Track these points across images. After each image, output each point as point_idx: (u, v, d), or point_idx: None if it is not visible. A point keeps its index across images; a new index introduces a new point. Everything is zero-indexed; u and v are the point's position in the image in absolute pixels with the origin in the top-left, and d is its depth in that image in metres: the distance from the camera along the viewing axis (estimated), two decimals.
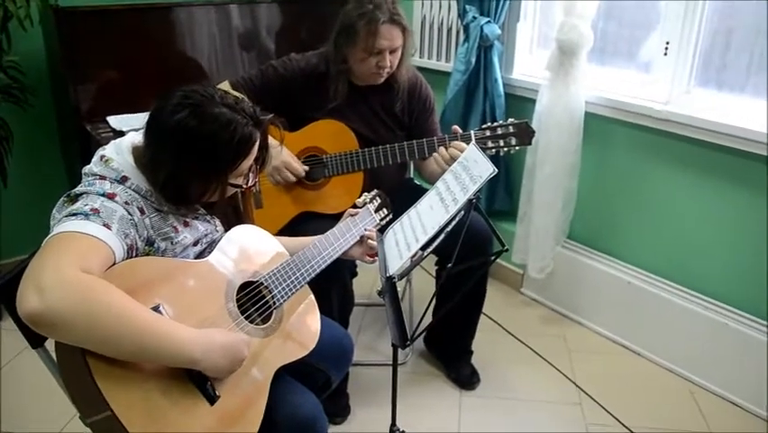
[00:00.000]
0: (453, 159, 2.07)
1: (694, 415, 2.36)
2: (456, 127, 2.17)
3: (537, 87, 2.71)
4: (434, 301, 1.76)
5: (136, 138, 1.40)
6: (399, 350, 1.55)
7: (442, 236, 1.45)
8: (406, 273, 1.49)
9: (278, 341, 1.45)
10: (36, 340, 1.34)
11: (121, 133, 2.42)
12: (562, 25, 2.50)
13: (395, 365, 1.58)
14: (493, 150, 2.16)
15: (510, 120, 2.16)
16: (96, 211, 1.21)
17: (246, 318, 1.39)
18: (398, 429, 1.64)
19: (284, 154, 2.13)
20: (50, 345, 1.28)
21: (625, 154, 2.64)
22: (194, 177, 1.35)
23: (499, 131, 2.15)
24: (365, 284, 2.97)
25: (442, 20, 3.15)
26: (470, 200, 1.41)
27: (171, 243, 1.36)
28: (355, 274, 2.30)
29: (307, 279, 1.57)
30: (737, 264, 2.37)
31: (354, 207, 1.85)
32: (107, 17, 2.62)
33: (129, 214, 1.27)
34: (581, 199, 2.75)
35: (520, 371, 2.59)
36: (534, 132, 2.16)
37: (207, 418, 1.22)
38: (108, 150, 1.37)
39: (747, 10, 2.27)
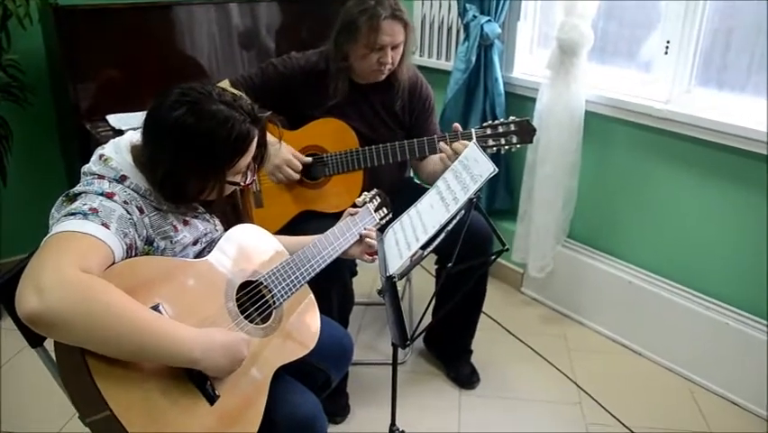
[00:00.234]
0: (457, 153, 2.07)
1: (694, 415, 2.36)
2: (457, 125, 2.16)
3: (538, 86, 2.71)
4: (434, 301, 1.76)
5: (135, 137, 1.39)
6: (399, 349, 1.54)
7: (442, 236, 1.45)
8: (406, 273, 1.48)
9: (277, 340, 1.45)
10: (35, 339, 1.33)
11: (120, 132, 2.41)
12: (562, 24, 2.50)
13: (395, 365, 1.58)
14: (494, 148, 2.15)
15: (511, 118, 2.15)
16: (94, 210, 1.21)
17: (246, 318, 1.39)
18: (398, 429, 1.64)
19: (284, 152, 2.13)
20: (49, 344, 1.27)
21: (625, 153, 2.63)
22: (192, 174, 1.35)
23: (500, 129, 2.14)
24: (365, 283, 2.97)
25: (442, 19, 3.15)
26: (470, 199, 1.41)
27: (171, 242, 1.36)
28: (355, 273, 2.30)
29: (307, 278, 1.56)
30: (738, 264, 2.37)
31: (354, 206, 1.84)
32: (107, 15, 2.62)
33: (128, 213, 1.27)
34: (582, 198, 2.75)
35: (520, 370, 2.59)
36: (535, 130, 2.16)
37: (207, 417, 1.22)
38: (107, 149, 1.36)
39: (748, 9, 2.27)
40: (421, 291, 2.89)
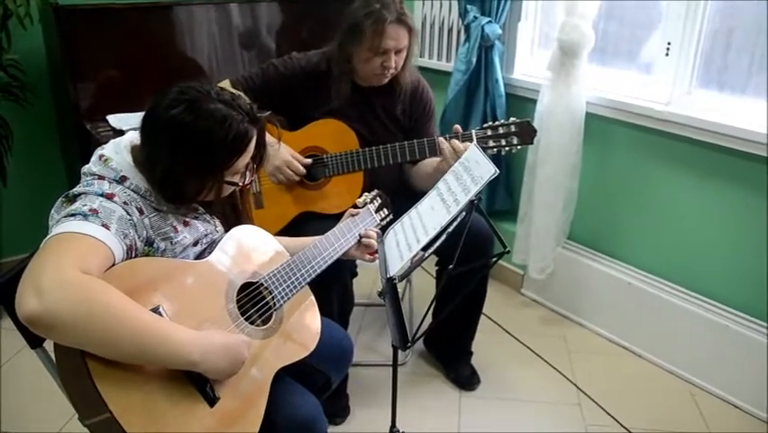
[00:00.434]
0: (455, 150, 2.06)
1: (694, 417, 2.35)
2: (458, 127, 2.16)
3: (538, 88, 2.71)
4: (434, 303, 1.76)
5: (135, 137, 1.39)
6: (399, 351, 1.54)
7: (443, 237, 1.44)
8: (406, 274, 1.48)
9: (278, 342, 1.44)
10: (35, 340, 1.33)
11: (120, 132, 2.41)
12: (563, 25, 2.50)
13: (395, 366, 1.57)
14: (495, 149, 2.14)
15: (512, 119, 2.15)
16: (94, 211, 1.21)
17: (246, 319, 1.39)
18: (398, 430, 1.64)
19: (284, 153, 2.13)
20: (48, 344, 1.27)
21: (626, 155, 2.63)
22: (190, 174, 1.34)
23: (501, 130, 2.14)
24: (365, 284, 2.96)
25: (443, 20, 3.15)
26: (471, 201, 1.41)
27: (171, 243, 1.35)
28: (355, 274, 2.30)
29: (308, 279, 1.56)
30: (738, 266, 2.37)
31: (355, 207, 1.84)
32: (107, 15, 2.61)
33: (128, 214, 1.26)
34: (582, 200, 2.75)
35: (520, 371, 2.58)
36: (536, 131, 2.15)
37: (207, 419, 1.22)
38: (107, 149, 1.36)
39: (748, 10, 2.27)
40: (421, 293, 2.89)
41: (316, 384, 1.64)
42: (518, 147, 2.16)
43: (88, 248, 1.15)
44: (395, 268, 1.46)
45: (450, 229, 1.44)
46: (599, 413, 2.36)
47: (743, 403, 2.38)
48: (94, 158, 1.35)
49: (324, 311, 1.64)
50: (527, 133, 2.15)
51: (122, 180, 1.31)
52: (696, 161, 2.41)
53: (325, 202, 2.22)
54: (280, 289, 1.49)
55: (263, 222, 1.65)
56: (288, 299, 1.51)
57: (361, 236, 1.74)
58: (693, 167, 2.42)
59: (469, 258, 1.43)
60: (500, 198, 3.07)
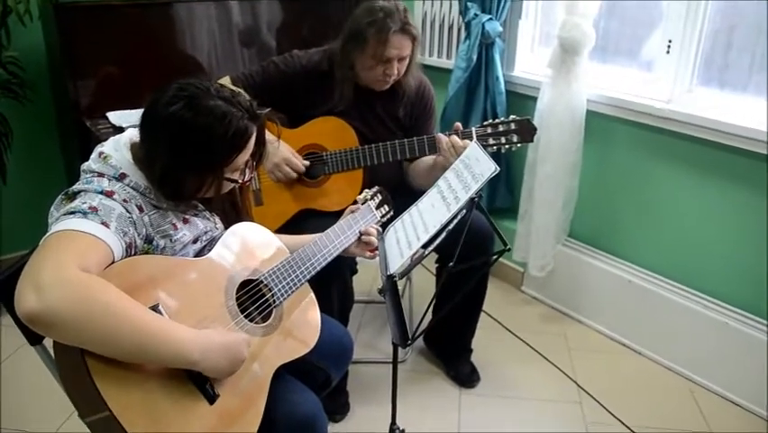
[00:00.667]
0: (454, 146, 2.06)
1: (694, 414, 2.36)
2: (458, 124, 2.15)
3: (539, 85, 2.70)
4: (434, 300, 1.75)
5: (135, 134, 1.39)
6: (399, 348, 1.54)
7: (443, 235, 1.44)
8: (407, 272, 1.48)
9: (278, 339, 1.44)
10: (34, 337, 1.33)
11: (120, 130, 2.41)
12: (564, 23, 2.49)
13: (395, 364, 1.57)
14: (495, 147, 2.14)
15: (512, 117, 2.15)
16: (94, 209, 1.21)
17: (246, 317, 1.38)
18: (398, 428, 1.64)
19: (284, 150, 2.12)
20: (48, 342, 1.27)
21: (626, 153, 2.63)
22: (189, 170, 1.34)
23: (501, 127, 2.14)
24: (365, 281, 2.96)
25: (443, 17, 3.14)
26: (471, 199, 1.41)
27: (170, 240, 1.35)
28: (355, 272, 2.29)
29: (308, 277, 1.56)
30: (738, 264, 2.37)
31: (355, 203, 1.84)
32: (107, 12, 2.61)
33: (127, 212, 1.26)
34: (582, 198, 2.75)
35: (520, 369, 2.58)
36: (535, 128, 2.15)
37: (207, 417, 1.22)
38: (107, 146, 1.36)
39: (749, 9, 2.26)
40: (421, 290, 2.89)
41: (316, 381, 1.64)
42: (518, 145, 2.16)
43: (88, 246, 1.15)
44: (395, 265, 1.46)
45: (450, 227, 1.44)
46: (600, 411, 2.36)
47: (743, 401, 2.38)
48: (93, 155, 1.35)
49: (324, 308, 1.64)
50: (528, 131, 2.15)
51: (121, 178, 1.31)
52: (696, 159, 2.41)
53: (325, 199, 2.21)
54: (280, 286, 1.49)
55: (263, 219, 1.64)
56: (288, 296, 1.50)
57: (361, 233, 1.74)
58: (694, 165, 2.42)
59: (469, 256, 1.42)
60: (501, 196, 3.07)
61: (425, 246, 1.46)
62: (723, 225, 2.39)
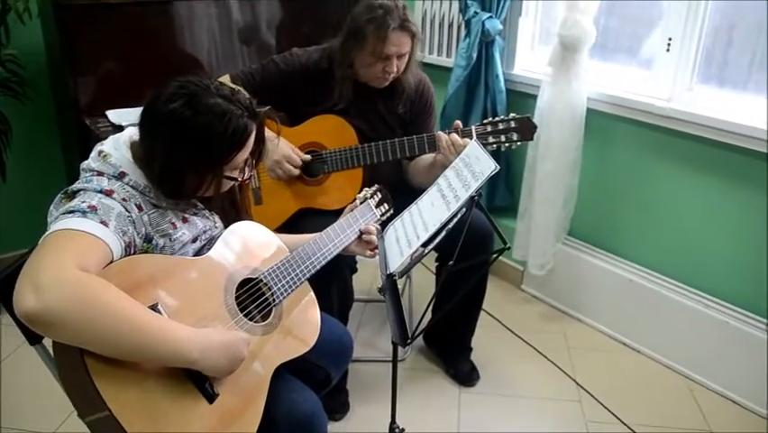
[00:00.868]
0: (454, 144, 2.06)
1: (694, 413, 2.36)
2: (458, 122, 2.15)
3: (539, 83, 2.70)
4: (434, 299, 1.75)
5: (135, 133, 1.39)
6: (399, 347, 1.54)
7: (443, 233, 1.44)
8: (406, 271, 1.48)
9: (277, 338, 1.44)
10: (34, 336, 1.32)
11: (120, 128, 2.41)
12: (564, 21, 2.49)
13: (395, 363, 1.57)
14: (494, 145, 2.14)
15: (512, 114, 2.14)
16: (93, 208, 1.20)
17: (245, 316, 1.38)
18: (398, 426, 1.64)
19: (283, 147, 2.12)
20: (48, 341, 1.26)
21: (626, 151, 2.63)
22: (189, 168, 1.34)
23: (501, 126, 2.13)
24: (364, 280, 2.96)
25: (443, 15, 3.14)
26: (471, 197, 1.40)
27: (169, 239, 1.35)
28: (355, 270, 2.29)
29: (307, 275, 1.56)
30: (739, 262, 2.37)
31: (355, 202, 1.83)
32: (107, 11, 2.60)
33: (127, 211, 1.26)
34: (582, 196, 2.74)
35: (520, 368, 2.58)
36: (535, 126, 2.15)
37: (206, 416, 1.21)
38: (106, 145, 1.36)
39: (749, 7, 2.26)
40: (421, 289, 2.89)
41: (316, 380, 1.64)
42: (518, 143, 2.15)
43: (87, 245, 1.15)
44: (395, 264, 1.45)
45: (450, 225, 1.43)
46: (599, 409, 2.36)
47: (742, 400, 2.38)
48: (93, 154, 1.35)
49: (324, 307, 1.64)
50: (527, 129, 2.15)
51: (121, 176, 1.30)
52: (696, 158, 2.40)
53: (325, 198, 2.21)
54: (280, 285, 1.49)
55: (262, 218, 1.64)
56: (288, 295, 1.50)
57: (361, 232, 1.74)
58: (694, 163, 2.42)
59: (469, 254, 1.42)
60: (500, 194, 3.06)
61: (424, 245, 1.45)
62: (723, 224, 2.39)
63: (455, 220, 1.43)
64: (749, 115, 2.23)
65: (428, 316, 1.63)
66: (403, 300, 2.80)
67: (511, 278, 3.15)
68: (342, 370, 1.79)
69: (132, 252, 1.26)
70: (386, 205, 1.87)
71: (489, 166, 1.42)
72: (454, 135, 2.08)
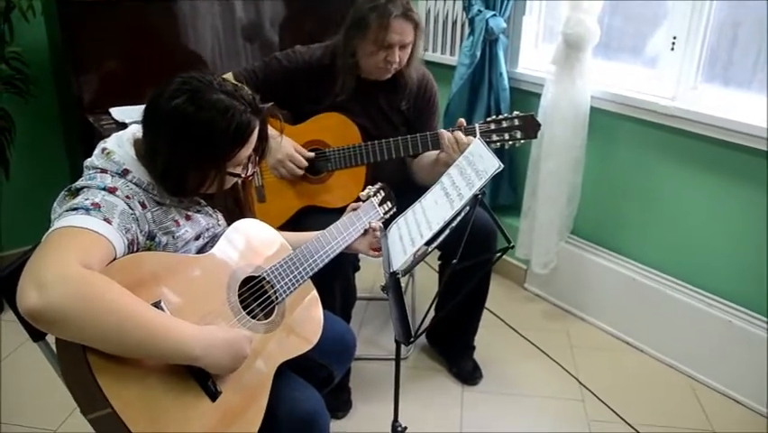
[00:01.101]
0: (458, 141, 2.06)
1: (696, 412, 2.35)
2: (462, 120, 2.15)
3: (542, 82, 2.70)
4: (437, 297, 1.75)
5: (138, 130, 1.39)
6: (401, 345, 1.53)
7: (446, 232, 1.44)
8: (410, 269, 1.47)
9: (280, 336, 1.44)
10: (37, 333, 1.33)
11: (124, 125, 2.41)
12: (568, 19, 2.49)
13: (397, 361, 1.57)
14: (498, 143, 2.14)
15: (516, 113, 2.14)
16: (96, 206, 1.20)
17: (248, 313, 1.38)
18: (400, 425, 1.63)
19: (287, 146, 2.12)
20: (51, 338, 1.27)
21: (630, 150, 2.62)
22: (191, 165, 1.34)
23: (504, 124, 2.13)
24: (367, 278, 2.96)
25: (447, 13, 3.14)
26: (475, 196, 1.40)
27: (173, 237, 1.35)
28: (358, 268, 2.29)
29: (310, 273, 1.56)
30: (742, 262, 2.36)
31: (358, 200, 1.83)
32: (110, 8, 2.60)
33: (130, 208, 1.26)
34: (586, 195, 2.74)
35: (523, 366, 2.58)
36: (539, 125, 2.14)
37: (209, 414, 1.21)
38: (110, 142, 1.36)
39: (754, 6, 2.25)
40: (424, 288, 2.88)
41: (319, 378, 1.64)
42: (522, 141, 2.15)
43: (90, 243, 1.15)
44: (398, 262, 1.45)
45: (453, 224, 1.43)
46: (602, 408, 2.35)
47: (744, 399, 2.37)
48: (96, 151, 1.35)
49: (327, 305, 1.63)
50: (531, 128, 2.14)
51: (124, 174, 1.30)
52: (700, 157, 2.40)
53: (328, 196, 2.21)
54: (283, 283, 1.49)
55: (266, 216, 1.65)
56: (291, 292, 1.50)
57: (369, 229, 1.74)
58: (698, 162, 2.41)
59: (472, 253, 1.42)
60: (504, 193, 3.06)
61: (428, 243, 1.45)
62: (727, 223, 2.38)
63: (459, 218, 1.43)
64: (753, 114, 2.22)
65: (431, 314, 1.63)
66: (406, 299, 2.79)
67: (514, 276, 3.15)
68: (344, 368, 1.79)
69: (136, 249, 1.26)
70: (389, 203, 1.87)
71: (492, 164, 1.42)
72: (458, 133, 2.08)
